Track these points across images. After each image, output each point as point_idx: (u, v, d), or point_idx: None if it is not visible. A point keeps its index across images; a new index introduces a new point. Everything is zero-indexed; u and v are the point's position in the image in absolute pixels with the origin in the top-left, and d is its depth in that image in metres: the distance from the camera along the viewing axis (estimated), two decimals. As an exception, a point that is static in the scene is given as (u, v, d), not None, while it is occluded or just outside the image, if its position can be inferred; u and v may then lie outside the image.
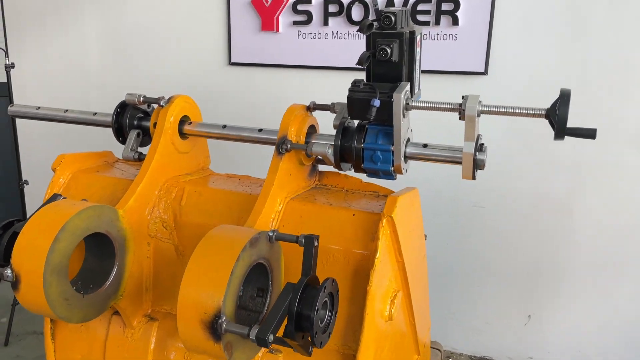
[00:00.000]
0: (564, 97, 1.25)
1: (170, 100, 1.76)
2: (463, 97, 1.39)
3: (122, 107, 1.84)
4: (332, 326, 1.29)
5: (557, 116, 1.25)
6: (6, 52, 2.97)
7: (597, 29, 2.36)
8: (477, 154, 1.43)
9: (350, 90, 1.48)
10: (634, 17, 2.30)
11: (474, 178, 1.46)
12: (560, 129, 1.25)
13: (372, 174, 1.58)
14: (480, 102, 1.38)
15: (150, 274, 1.69)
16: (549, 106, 1.32)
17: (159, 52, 3.19)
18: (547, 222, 2.61)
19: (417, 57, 1.51)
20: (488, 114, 1.38)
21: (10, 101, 3.07)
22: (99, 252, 1.55)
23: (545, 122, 2.42)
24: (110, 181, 1.78)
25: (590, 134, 1.26)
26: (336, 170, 1.66)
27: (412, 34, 1.45)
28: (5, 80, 3.09)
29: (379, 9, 1.46)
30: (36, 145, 3.64)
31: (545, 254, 2.65)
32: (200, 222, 1.64)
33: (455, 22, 2.49)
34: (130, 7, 3.18)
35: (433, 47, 2.57)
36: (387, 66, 1.48)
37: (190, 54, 3.11)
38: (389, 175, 1.55)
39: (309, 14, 2.74)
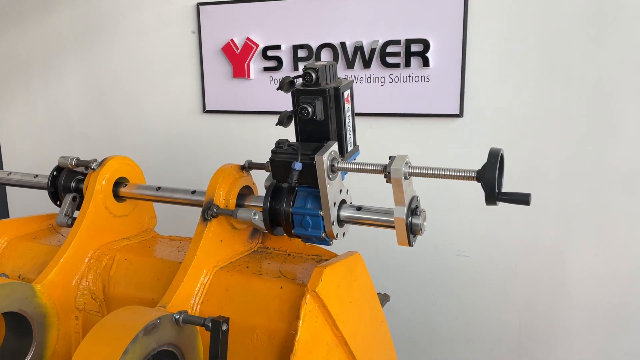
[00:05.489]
0: (492, 159, 1.10)
1: (102, 162, 1.67)
2: (390, 158, 1.27)
3: (59, 169, 1.77)
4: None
5: (485, 180, 1.11)
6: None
7: (576, 67, 2.21)
8: (412, 218, 1.29)
9: (272, 151, 1.37)
10: (615, 52, 2.15)
11: (410, 244, 1.32)
12: (490, 194, 1.11)
13: (306, 239, 1.45)
14: (407, 162, 1.24)
15: (80, 350, 1.58)
16: (479, 167, 1.17)
17: (137, 101, 3.16)
18: (537, 272, 2.41)
19: (348, 114, 1.40)
20: (417, 177, 1.25)
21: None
22: (18, 330, 1.46)
23: (529, 163, 2.25)
24: (44, 249, 1.69)
25: (524, 199, 1.11)
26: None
27: (337, 90, 1.34)
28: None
29: (305, 65, 1.35)
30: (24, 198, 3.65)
31: (537, 306, 2.44)
32: (127, 295, 1.54)
33: (425, 63, 2.37)
34: (107, 58, 3.17)
35: (405, 89, 2.45)
36: (313, 125, 1.37)
37: (166, 102, 3.07)
38: (323, 242, 1.42)
39: (279, 60, 2.67)
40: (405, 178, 1.24)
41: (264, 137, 2.86)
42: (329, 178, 1.32)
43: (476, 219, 2.46)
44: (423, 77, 2.41)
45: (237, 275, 1.44)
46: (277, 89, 1.34)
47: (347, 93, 1.38)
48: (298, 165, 1.31)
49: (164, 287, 1.46)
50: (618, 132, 2.20)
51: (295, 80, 1.35)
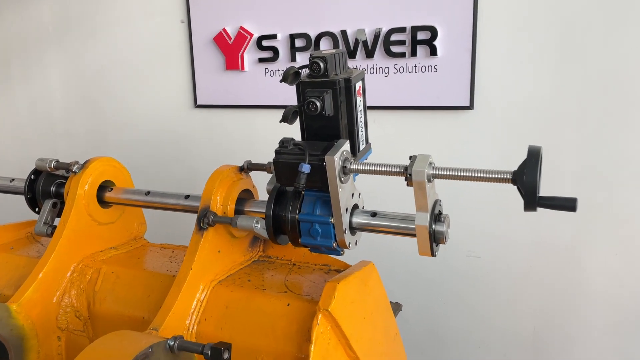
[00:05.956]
0: (532, 159, 0.96)
1: (84, 165, 1.51)
2: (410, 158, 1.11)
3: (37, 172, 1.60)
4: None
5: (524, 183, 0.96)
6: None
7: (595, 57, 2.05)
8: (435, 225, 1.14)
9: (276, 152, 1.22)
10: (636, 41, 2.00)
11: (433, 255, 1.17)
12: (530, 199, 0.96)
13: (314, 249, 1.30)
14: (431, 163, 1.09)
15: (63, 373, 1.43)
16: (516, 168, 1.03)
17: (123, 97, 2.98)
18: (553, 274, 2.28)
19: (360, 108, 1.25)
20: (443, 179, 1.10)
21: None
22: (-8, 355, 1.30)
23: (544, 158, 2.10)
24: (22, 262, 1.53)
25: (570, 205, 0.97)
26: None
27: (348, 81, 1.19)
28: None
29: (312, 54, 1.19)
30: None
31: (552, 310, 2.31)
32: (115, 313, 1.38)
33: (433, 52, 2.22)
34: (91, 50, 2.99)
35: (411, 80, 2.30)
36: (322, 121, 1.22)
37: (155, 97, 2.90)
38: (333, 251, 1.27)
39: (275, 50, 2.50)
40: (429, 181, 1.09)
41: (260, 133, 2.70)
42: (341, 181, 1.17)
43: (487, 216, 2.32)
44: (430, 67, 2.25)
45: (238, 290, 1.29)
46: (281, 81, 1.19)
47: (358, 85, 1.23)
48: (306, 167, 1.15)
49: (156, 304, 1.31)
50: (638, 126, 2.06)
51: (300, 70, 1.19)
